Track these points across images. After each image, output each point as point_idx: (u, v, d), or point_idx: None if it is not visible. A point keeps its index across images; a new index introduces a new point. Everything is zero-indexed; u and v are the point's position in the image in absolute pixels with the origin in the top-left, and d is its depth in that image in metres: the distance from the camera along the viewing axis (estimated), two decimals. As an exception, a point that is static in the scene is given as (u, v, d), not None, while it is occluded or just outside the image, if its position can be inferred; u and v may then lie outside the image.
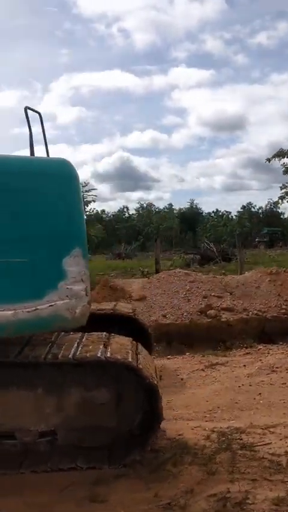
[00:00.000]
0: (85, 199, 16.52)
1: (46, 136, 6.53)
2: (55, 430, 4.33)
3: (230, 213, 74.98)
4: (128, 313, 6.86)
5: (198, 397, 6.05)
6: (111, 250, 39.72)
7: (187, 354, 9.24)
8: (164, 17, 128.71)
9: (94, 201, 16.67)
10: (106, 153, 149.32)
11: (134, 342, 4.94)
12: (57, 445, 4.32)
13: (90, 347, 4.38)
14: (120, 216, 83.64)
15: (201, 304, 12.52)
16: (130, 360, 4.17)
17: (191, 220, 74.05)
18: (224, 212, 76.87)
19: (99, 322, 6.77)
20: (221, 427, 4.97)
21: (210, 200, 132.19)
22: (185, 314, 12.26)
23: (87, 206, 16.30)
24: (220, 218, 78.33)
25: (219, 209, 79.36)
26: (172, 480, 3.92)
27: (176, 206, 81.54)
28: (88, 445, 4.32)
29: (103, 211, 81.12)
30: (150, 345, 6.96)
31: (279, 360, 7.73)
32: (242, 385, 6.47)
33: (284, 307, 12.33)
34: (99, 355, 4.16)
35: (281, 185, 35.15)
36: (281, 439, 4.65)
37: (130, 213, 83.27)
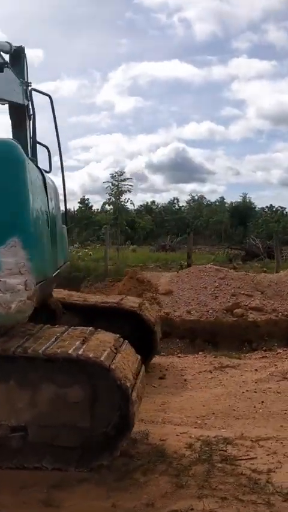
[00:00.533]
0: (120, 189, 16.35)
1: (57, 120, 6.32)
2: (26, 425, 4.16)
3: (285, 208, 72.66)
4: (132, 308, 6.62)
5: (195, 401, 5.75)
6: (158, 242, 39.41)
7: (200, 353, 8.93)
8: (226, 6, 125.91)
9: (130, 191, 16.40)
10: (161, 144, 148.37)
11: (120, 339, 4.70)
12: (28, 442, 4.15)
13: (67, 342, 4.17)
14: (169, 207, 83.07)
15: (228, 302, 12.09)
16: (102, 359, 3.92)
17: (242, 214, 72.54)
18: (279, 208, 74.65)
19: (102, 315, 6.62)
20: (208, 436, 4.66)
21: (265, 195, 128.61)
22: (210, 311, 11.88)
23: (121, 196, 16.03)
24: (274, 214, 76.19)
25: (273, 204, 77.22)
26: (136, 490, 3.67)
27: (230, 200, 79.89)
28: (59, 444, 4.13)
29: (153, 202, 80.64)
30: (154, 341, 6.71)
31: (294, 366, 7.29)
32: (247, 390, 6.11)
33: (315, 310, 11.75)
34: (70, 351, 3.94)
35: None
36: (268, 454, 4.30)
37: (180, 205, 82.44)
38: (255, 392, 6.06)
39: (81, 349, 4.01)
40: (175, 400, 5.79)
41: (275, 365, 7.42)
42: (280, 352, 8.58)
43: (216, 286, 12.95)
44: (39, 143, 5.67)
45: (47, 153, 6.06)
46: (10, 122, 8.41)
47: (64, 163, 6.48)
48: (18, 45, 8.99)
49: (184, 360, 7.87)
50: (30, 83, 9.39)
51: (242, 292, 12.64)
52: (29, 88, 9.11)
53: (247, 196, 79.64)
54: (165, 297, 12.72)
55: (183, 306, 12.22)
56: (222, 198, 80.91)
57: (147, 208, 79.45)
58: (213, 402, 5.70)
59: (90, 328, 4.76)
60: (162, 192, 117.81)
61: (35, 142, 5.58)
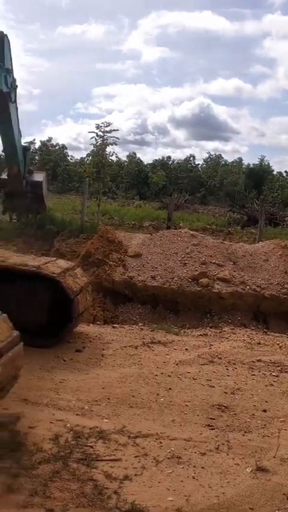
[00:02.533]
0: (105, 141, 15.47)
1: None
2: None
3: (305, 174, 70.22)
4: (52, 274, 6.05)
5: (97, 382, 5.26)
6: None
7: (140, 324, 8.38)
8: None
9: (116, 143, 15.51)
10: (186, 98, 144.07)
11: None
12: None
13: None
14: (185, 165, 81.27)
15: (196, 270, 11.53)
16: None
17: (258, 177, 70.72)
18: (298, 173, 72.13)
19: (20, 279, 6.09)
20: (84, 426, 4.20)
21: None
22: (175, 279, 11.32)
23: (106, 148, 15.14)
24: (292, 179, 73.62)
25: (293, 169, 74.80)
26: None
27: (251, 161, 77.70)
28: None
29: (169, 157, 78.75)
30: (72, 311, 6.18)
31: (231, 348, 6.76)
32: (161, 373, 5.62)
33: (286, 286, 11.13)
34: None
35: None
36: (136, 456, 3.83)
37: (196, 162, 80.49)
38: (169, 376, 5.56)
39: None
40: (76, 378, 5.30)
41: (211, 345, 6.89)
42: (225, 331, 8.02)
43: (188, 253, 12.33)
44: None
45: None
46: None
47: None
48: None
49: (117, 331, 7.34)
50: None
51: (214, 261, 12.03)
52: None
53: (265, 159, 77.36)
54: (132, 260, 12.15)
55: (149, 271, 11.65)
56: (240, 159, 78.84)
57: (163, 164, 77.79)
58: (116, 384, 5.21)
59: None
60: (183, 148, 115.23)
61: None
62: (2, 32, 8.97)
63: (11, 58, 9.32)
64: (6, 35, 8.99)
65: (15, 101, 9.95)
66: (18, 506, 3.09)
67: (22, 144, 11.64)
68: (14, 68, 9.31)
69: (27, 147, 12.39)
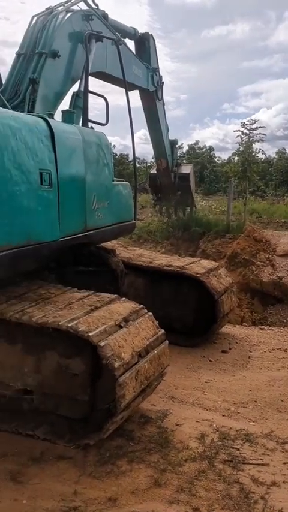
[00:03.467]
0: (251, 139, 15.19)
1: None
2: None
3: None
4: (196, 275, 6.09)
5: (244, 383, 5.16)
6: None
7: (290, 327, 7.97)
8: None
9: (263, 140, 15.16)
10: None
11: (141, 311, 4.30)
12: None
13: (70, 311, 3.93)
14: None
15: None
16: (91, 334, 3.60)
17: None
18: None
19: (166, 279, 6.27)
20: (230, 428, 4.15)
21: None
22: None
23: (253, 146, 14.89)
24: None
25: None
26: (109, 479, 3.38)
27: None
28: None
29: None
30: (217, 311, 6.15)
31: None
32: (314, 378, 5.31)
33: None
34: (61, 322, 3.69)
35: None
36: (285, 463, 3.67)
37: None
38: None
39: (76, 321, 3.73)
40: (222, 379, 5.26)
41: None
42: None
43: None
44: (95, 93, 5.34)
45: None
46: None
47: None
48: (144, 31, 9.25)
49: (264, 333, 7.12)
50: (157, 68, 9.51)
51: None
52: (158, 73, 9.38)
53: None
54: (281, 259, 11.76)
55: (299, 271, 11.16)
56: None
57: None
58: (263, 387, 5.06)
59: (115, 295, 4.45)
60: None
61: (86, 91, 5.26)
62: (148, 33, 9.33)
63: (156, 57, 9.64)
64: (151, 35, 9.35)
65: (161, 98, 10.30)
66: (164, 501, 3.16)
67: (170, 139, 11.98)
68: (159, 67, 9.64)
69: (175, 141, 12.71)
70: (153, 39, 9.49)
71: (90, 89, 5.27)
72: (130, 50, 7.77)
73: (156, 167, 12.88)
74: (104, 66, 6.24)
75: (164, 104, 10.59)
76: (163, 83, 9.99)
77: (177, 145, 12.75)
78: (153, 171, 13.63)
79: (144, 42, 9.32)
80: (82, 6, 5.85)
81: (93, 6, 5.95)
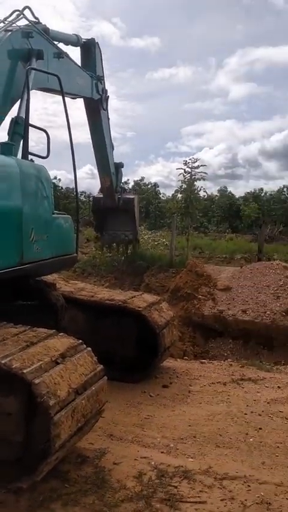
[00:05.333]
0: (193, 177, 15.60)
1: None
2: None
3: None
4: (138, 309, 6.09)
5: (183, 419, 5.13)
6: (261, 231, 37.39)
7: (228, 360, 8.11)
8: None
9: (204, 179, 15.58)
10: (276, 130, 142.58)
11: (79, 346, 4.23)
12: None
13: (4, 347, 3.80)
14: (278, 196, 79.76)
15: (291, 303, 11.06)
16: (25, 371, 3.49)
17: None
18: None
19: (108, 314, 6.22)
20: (169, 465, 4.09)
21: None
22: (268, 313, 10.96)
23: (195, 183, 15.29)
24: None
25: None
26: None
27: None
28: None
29: (261, 189, 77.86)
30: (158, 346, 6.13)
31: None
32: (251, 412, 5.35)
33: None
34: (-7, 359, 3.56)
35: None
36: (223, 499, 3.63)
37: (290, 193, 78.41)
38: (260, 415, 5.28)
39: (10, 357, 3.61)
40: (162, 415, 5.21)
41: (307, 383, 6.49)
42: None
43: (281, 285, 11.92)
44: (35, 127, 5.31)
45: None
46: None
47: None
48: (89, 37, 9.22)
49: (205, 366, 7.15)
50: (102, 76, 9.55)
51: (309, 294, 11.51)
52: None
53: None
54: (222, 293, 11.96)
55: (239, 305, 11.39)
56: None
57: (255, 196, 76.90)
58: (202, 422, 5.04)
59: (53, 330, 4.37)
60: (276, 179, 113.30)
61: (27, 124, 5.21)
62: (93, 39, 9.28)
63: (102, 65, 9.61)
64: (97, 43, 9.32)
65: (106, 109, 10.21)
66: None
67: (114, 160, 11.82)
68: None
69: (120, 163, 12.51)
70: (99, 48, 9.45)
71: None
72: (73, 61, 7.69)
73: (100, 186, 12.64)
74: (45, 81, 6.18)
75: (108, 118, 10.55)
76: (108, 96, 9.98)
77: (122, 168, 12.55)
78: (98, 194, 13.33)
79: (90, 48, 9.23)
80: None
81: (34, 20, 6.00)
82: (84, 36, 9.28)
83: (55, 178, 44.52)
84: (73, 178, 6.17)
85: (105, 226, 13.91)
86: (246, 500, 3.62)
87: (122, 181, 13.21)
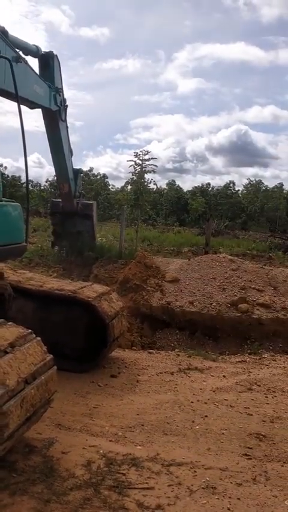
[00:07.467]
0: (144, 169, 15.64)
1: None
2: None
3: None
4: (87, 299, 6.08)
5: (132, 408, 5.19)
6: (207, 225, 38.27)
7: (176, 350, 8.24)
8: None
9: (154, 171, 15.67)
10: (223, 126, 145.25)
11: (28, 336, 4.18)
12: None
13: None
14: (224, 191, 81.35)
15: (235, 295, 11.36)
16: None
17: (299, 202, 69.83)
18: None
19: (57, 304, 6.17)
20: (117, 453, 4.13)
21: None
22: (214, 304, 11.18)
23: (145, 175, 15.35)
24: None
25: None
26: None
27: (289, 187, 77.45)
28: None
29: (208, 184, 79.13)
30: (108, 336, 6.15)
31: (270, 376, 6.55)
32: (197, 400, 5.48)
33: None
34: None
35: None
36: (170, 485, 3.71)
37: (236, 188, 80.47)
38: (206, 403, 5.42)
39: None
40: (110, 404, 5.24)
41: (250, 372, 6.70)
42: (265, 357, 7.81)
43: (226, 278, 12.20)
44: None
45: None
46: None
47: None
48: (48, 50, 9.15)
49: (153, 356, 7.25)
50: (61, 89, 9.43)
51: (253, 286, 11.86)
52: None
53: (305, 184, 76.33)
54: (170, 285, 12.10)
55: (186, 296, 11.56)
56: (281, 184, 78.52)
57: (202, 191, 78.11)
58: (150, 411, 5.12)
59: (1, 320, 4.29)
60: (222, 174, 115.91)
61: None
62: (52, 52, 9.29)
63: (60, 77, 9.59)
64: (56, 55, 9.31)
65: (65, 120, 10.20)
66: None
67: (73, 166, 11.86)
68: (64, 88, 9.63)
69: (80, 170, 12.61)
70: (58, 60, 9.47)
71: None
72: (31, 68, 7.67)
73: (59, 191, 12.70)
74: (2, 83, 6.11)
75: (67, 127, 10.53)
76: (67, 106, 9.97)
77: (81, 174, 12.68)
78: (57, 198, 13.50)
79: (48, 61, 9.26)
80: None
81: None
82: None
83: (1, 165, 43.54)
84: (19, 166, 6.10)
85: (63, 229, 14.09)
86: (192, 485, 3.72)
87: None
